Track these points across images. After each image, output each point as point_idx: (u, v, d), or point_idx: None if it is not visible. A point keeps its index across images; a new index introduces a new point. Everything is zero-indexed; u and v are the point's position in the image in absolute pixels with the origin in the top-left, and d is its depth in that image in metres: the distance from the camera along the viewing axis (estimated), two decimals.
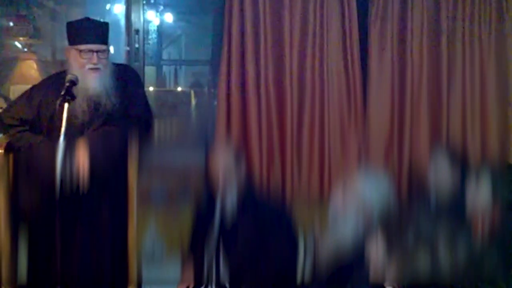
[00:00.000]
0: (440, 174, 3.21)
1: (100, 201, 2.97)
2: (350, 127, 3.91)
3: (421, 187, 3.36)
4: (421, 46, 3.89)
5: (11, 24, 4.63)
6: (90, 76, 2.93)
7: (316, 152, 3.88)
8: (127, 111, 3.01)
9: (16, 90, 4.24)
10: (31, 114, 3.00)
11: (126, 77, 3.09)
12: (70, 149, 2.75)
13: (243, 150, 3.58)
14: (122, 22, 4.33)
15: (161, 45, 6.33)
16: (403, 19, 3.90)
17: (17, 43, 4.76)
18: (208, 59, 4.56)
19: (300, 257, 3.25)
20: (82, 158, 2.82)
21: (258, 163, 3.83)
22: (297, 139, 3.88)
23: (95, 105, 2.95)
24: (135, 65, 4.00)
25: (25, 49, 4.73)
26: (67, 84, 2.77)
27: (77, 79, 2.84)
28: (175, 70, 7.23)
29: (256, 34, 3.84)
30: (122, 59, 4.16)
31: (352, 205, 3.11)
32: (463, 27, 3.89)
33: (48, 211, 2.78)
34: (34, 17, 4.67)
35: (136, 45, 4.09)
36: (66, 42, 3.03)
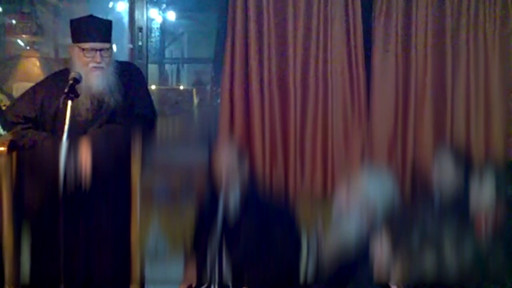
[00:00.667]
0: (444, 173, 3.20)
1: (103, 199, 2.97)
2: (353, 125, 3.91)
3: (425, 185, 3.35)
4: (425, 44, 3.88)
5: (14, 21, 4.62)
6: (93, 74, 2.93)
7: (320, 151, 3.88)
8: (130, 109, 3.00)
9: (19, 87, 4.24)
10: (34, 111, 2.99)
11: (130, 75, 3.09)
12: (73, 147, 2.75)
13: (246, 149, 3.58)
14: (125, 20, 4.32)
15: (163, 43, 6.32)
16: (407, 16, 3.89)
17: (19, 41, 4.76)
18: (210, 57, 4.56)
19: (303, 256, 3.24)
20: (85, 156, 2.82)
21: (261, 161, 3.83)
22: (300, 137, 3.88)
23: (98, 103, 2.95)
24: (138, 63, 3.99)
25: (28, 47, 4.72)
26: (71, 81, 2.77)
27: (80, 76, 2.84)
28: (178, 68, 7.22)
29: (260, 32, 3.83)
30: (125, 57, 4.15)
31: (355, 203, 3.10)
32: (468, 24, 3.88)
33: (51, 209, 2.78)
34: (37, 14, 4.66)
35: (139, 43, 4.08)
36: (69, 40, 3.02)
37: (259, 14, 3.83)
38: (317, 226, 3.43)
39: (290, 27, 3.85)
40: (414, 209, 3.20)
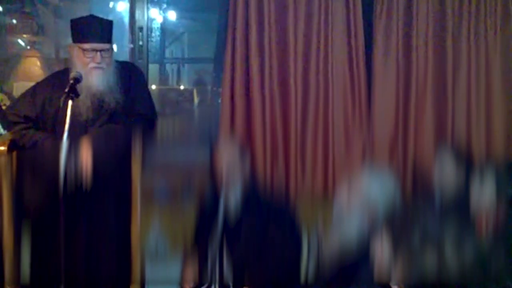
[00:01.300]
0: (445, 172, 3.20)
1: (104, 199, 2.97)
2: (354, 125, 3.91)
3: (426, 185, 3.35)
4: (426, 44, 3.88)
5: (15, 21, 4.62)
6: (93, 74, 2.92)
7: (320, 150, 3.87)
8: (131, 109, 3.00)
9: (19, 87, 4.23)
10: (35, 111, 2.99)
11: (130, 75, 3.09)
12: (74, 147, 2.75)
13: (247, 148, 3.57)
14: (126, 19, 4.32)
15: (164, 43, 6.32)
16: (408, 16, 3.89)
17: (20, 41, 4.75)
18: (211, 57, 4.56)
19: (304, 255, 3.24)
20: (86, 156, 2.82)
21: (262, 161, 3.83)
22: (301, 137, 3.88)
23: (99, 103, 2.95)
24: (139, 62, 3.99)
25: (29, 47, 4.72)
26: (71, 81, 2.76)
27: (81, 76, 2.84)
28: (178, 68, 7.22)
29: (261, 32, 3.83)
30: (125, 57, 4.15)
31: (356, 203, 3.10)
32: (469, 23, 3.87)
33: (52, 209, 2.78)
34: (38, 14, 4.66)
35: (140, 43, 4.08)
36: (69, 40, 3.02)
37: (260, 14, 3.83)
38: (318, 225, 3.43)
39: (290, 26, 3.85)
40: (415, 209, 3.20)
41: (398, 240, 3.01)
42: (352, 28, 3.88)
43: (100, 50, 2.92)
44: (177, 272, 3.27)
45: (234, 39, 3.85)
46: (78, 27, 2.95)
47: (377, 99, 3.91)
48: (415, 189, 3.75)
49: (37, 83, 3.14)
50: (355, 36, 3.88)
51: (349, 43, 3.89)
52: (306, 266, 3.23)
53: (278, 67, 3.86)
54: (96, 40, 2.92)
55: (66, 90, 2.69)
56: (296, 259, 3.22)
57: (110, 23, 3.01)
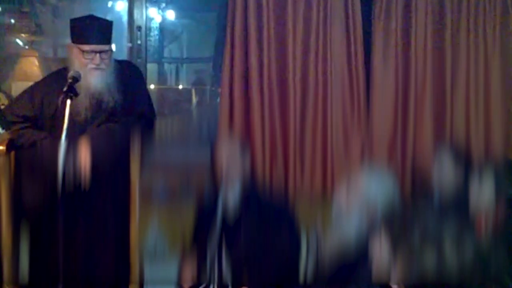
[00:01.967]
0: (443, 172, 3.20)
1: (102, 198, 2.96)
2: (353, 124, 3.91)
3: (425, 184, 3.34)
4: (425, 43, 3.89)
5: (13, 21, 4.61)
6: (92, 74, 2.91)
7: (319, 150, 3.87)
8: (129, 108, 2.99)
9: (17, 87, 4.22)
10: (33, 111, 2.98)
11: (129, 74, 3.08)
12: (72, 146, 2.74)
13: (246, 148, 3.57)
14: (124, 19, 4.31)
15: (162, 42, 6.32)
16: (407, 16, 3.89)
17: (18, 40, 4.75)
18: (210, 56, 4.56)
19: (303, 255, 3.24)
20: (84, 155, 2.81)
21: (261, 161, 3.82)
22: (300, 136, 3.87)
23: (97, 102, 2.94)
24: (137, 62, 3.99)
25: (27, 46, 4.71)
26: (70, 80, 2.75)
27: (79, 75, 2.82)
28: (177, 67, 7.23)
29: (259, 31, 3.83)
30: (124, 56, 4.14)
31: (355, 202, 3.09)
32: (468, 22, 3.88)
33: (50, 209, 2.77)
34: (36, 13, 4.65)
35: (138, 42, 4.08)
36: (68, 39, 3.00)
37: (259, 13, 3.83)
38: (317, 225, 3.43)
39: (289, 26, 3.85)
40: (414, 209, 3.20)
41: (397, 240, 3.01)
42: (351, 27, 3.88)
43: (99, 52, 2.91)
44: (176, 271, 3.26)
45: (232, 38, 3.85)
46: (78, 28, 2.94)
47: (376, 98, 3.91)
48: (414, 188, 3.74)
49: (36, 83, 3.13)
50: (354, 35, 3.88)
51: (348, 42, 3.89)
52: (305, 265, 3.22)
53: (277, 67, 3.86)
54: (96, 41, 2.90)
55: (65, 89, 2.68)
56: (295, 258, 3.21)
57: (109, 24, 2.99)
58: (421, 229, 3.04)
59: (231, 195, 3.17)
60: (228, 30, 3.85)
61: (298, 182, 3.86)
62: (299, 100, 3.87)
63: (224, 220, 3.16)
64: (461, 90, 3.90)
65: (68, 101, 2.64)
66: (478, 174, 3.13)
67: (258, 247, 3.13)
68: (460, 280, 2.91)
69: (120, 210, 2.98)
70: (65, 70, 2.98)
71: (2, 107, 3.51)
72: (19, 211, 2.96)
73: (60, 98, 2.67)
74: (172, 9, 5.71)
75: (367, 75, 3.93)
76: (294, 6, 3.85)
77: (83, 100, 2.89)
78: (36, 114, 2.98)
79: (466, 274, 2.91)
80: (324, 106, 3.87)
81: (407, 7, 3.89)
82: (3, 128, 3.03)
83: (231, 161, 3.20)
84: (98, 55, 2.90)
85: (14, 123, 2.99)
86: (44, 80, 3.15)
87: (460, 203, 3.10)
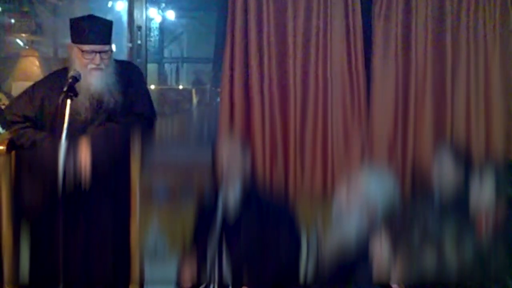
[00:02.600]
0: (444, 172, 3.19)
1: (102, 198, 2.96)
2: (353, 124, 3.91)
3: (425, 184, 3.34)
4: (425, 43, 3.89)
5: (13, 20, 4.62)
6: (92, 74, 2.91)
7: (320, 150, 3.88)
8: (129, 108, 2.99)
9: (18, 87, 4.23)
10: (33, 110, 2.98)
11: (129, 74, 3.08)
12: (72, 146, 2.74)
13: (246, 148, 3.57)
14: (124, 19, 4.32)
15: (163, 43, 6.33)
16: (407, 16, 3.89)
17: (18, 40, 4.75)
18: (209, 56, 4.56)
19: (303, 255, 3.24)
20: (85, 155, 2.81)
21: (261, 161, 3.82)
22: (300, 136, 3.88)
23: (97, 102, 2.94)
24: (138, 62, 3.99)
25: (27, 46, 4.72)
26: (70, 80, 2.75)
27: (79, 75, 2.82)
28: (177, 67, 7.23)
29: (260, 32, 3.83)
30: (124, 56, 4.14)
31: (355, 202, 3.09)
32: (468, 23, 3.88)
33: (51, 209, 2.77)
34: (37, 13, 4.65)
35: (138, 42, 4.08)
36: (68, 39, 3.00)
37: (259, 13, 3.83)
38: (317, 225, 3.43)
39: (290, 26, 3.85)
40: (414, 208, 3.19)
41: (398, 240, 3.01)
42: (351, 28, 3.88)
43: (100, 52, 2.91)
44: (176, 272, 3.26)
45: (233, 38, 3.85)
46: (78, 28, 2.93)
47: (376, 98, 3.91)
48: (414, 188, 3.74)
49: (36, 83, 3.13)
50: (354, 36, 3.88)
51: (348, 43, 3.89)
52: (305, 265, 3.22)
53: (277, 67, 3.86)
54: (96, 41, 2.90)
55: (65, 89, 2.68)
56: (295, 258, 3.21)
57: (110, 24, 2.98)
58: (421, 229, 3.04)
59: (231, 195, 3.17)
60: (228, 30, 3.86)
61: (298, 182, 3.87)
62: (299, 100, 3.87)
63: (224, 220, 3.16)
64: (461, 90, 3.90)
65: (68, 101, 2.65)
66: (478, 174, 3.12)
67: (258, 247, 3.12)
68: (460, 280, 2.90)
69: (120, 210, 2.98)
70: (65, 70, 2.98)
71: (3, 107, 3.51)
72: (19, 211, 2.96)
73: (60, 98, 2.66)
74: (172, 9, 5.72)
75: (367, 75, 3.93)
76: (294, 7, 3.85)
77: (83, 100, 2.89)
78: (36, 114, 2.98)
79: (466, 274, 2.91)
80: (324, 106, 3.87)
81: (407, 7, 3.89)
82: (3, 128, 3.04)
83: (231, 161, 3.20)
84: (98, 55, 2.90)
85: (14, 123, 2.99)
86: (44, 80, 3.14)
87: (460, 203, 3.10)
